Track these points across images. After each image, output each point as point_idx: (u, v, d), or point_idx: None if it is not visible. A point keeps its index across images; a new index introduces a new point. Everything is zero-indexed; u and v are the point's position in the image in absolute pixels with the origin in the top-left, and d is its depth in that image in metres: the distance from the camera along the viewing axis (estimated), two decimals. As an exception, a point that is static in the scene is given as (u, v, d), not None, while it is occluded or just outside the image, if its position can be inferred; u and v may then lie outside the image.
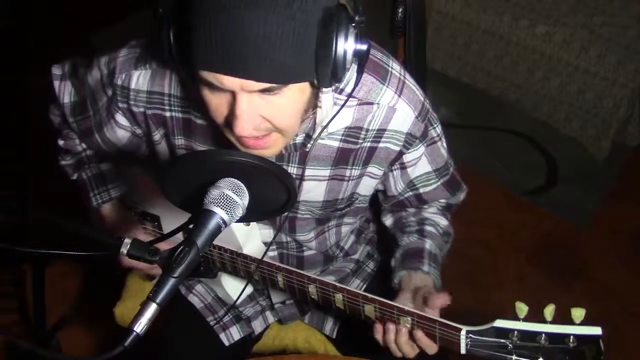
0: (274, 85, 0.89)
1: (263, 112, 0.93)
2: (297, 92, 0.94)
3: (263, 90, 0.90)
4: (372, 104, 1.10)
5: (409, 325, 1.10)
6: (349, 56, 0.90)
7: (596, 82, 2.72)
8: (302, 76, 0.91)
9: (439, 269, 1.27)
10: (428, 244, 1.28)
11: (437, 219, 1.33)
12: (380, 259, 1.51)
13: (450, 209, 1.38)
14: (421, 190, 1.27)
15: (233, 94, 0.91)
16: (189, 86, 1.11)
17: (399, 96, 1.11)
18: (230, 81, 0.88)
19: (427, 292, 1.14)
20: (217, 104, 0.94)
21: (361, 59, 0.92)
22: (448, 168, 1.28)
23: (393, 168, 1.21)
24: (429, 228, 1.31)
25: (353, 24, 0.89)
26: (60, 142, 1.42)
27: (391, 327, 1.12)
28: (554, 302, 0.98)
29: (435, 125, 1.19)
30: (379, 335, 1.15)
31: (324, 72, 0.90)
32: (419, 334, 1.10)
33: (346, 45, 0.89)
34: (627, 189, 2.73)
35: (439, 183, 1.27)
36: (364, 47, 0.91)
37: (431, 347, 1.11)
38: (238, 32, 0.83)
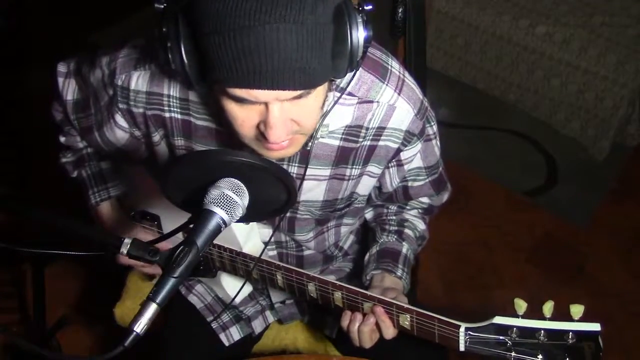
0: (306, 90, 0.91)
1: (293, 116, 0.94)
2: (321, 91, 0.95)
3: (295, 97, 0.90)
4: (372, 102, 1.10)
5: (407, 323, 1.11)
6: (362, 44, 0.92)
7: (596, 82, 2.72)
8: (328, 76, 0.93)
9: (410, 272, 1.31)
10: (405, 248, 1.32)
11: (416, 222, 1.37)
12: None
13: (431, 212, 1.40)
14: (409, 184, 1.28)
15: (264, 104, 0.91)
16: (205, 96, 1.10)
17: (399, 94, 1.11)
18: (264, 94, 0.88)
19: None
20: (246, 116, 0.94)
21: (366, 47, 0.94)
22: (438, 167, 1.29)
23: (390, 165, 1.21)
24: (407, 231, 1.35)
25: (360, 14, 0.91)
26: (62, 139, 1.42)
27: (358, 316, 1.16)
28: (554, 301, 0.98)
29: (432, 123, 1.20)
30: (345, 323, 1.18)
31: (341, 65, 0.93)
32: (379, 310, 1.13)
33: (359, 34, 0.91)
34: (627, 189, 2.73)
35: (427, 180, 1.29)
36: (370, 33, 0.93)
37: (388, 326, 1.14)
38: (270, 46, 0.82)
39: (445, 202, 1.40)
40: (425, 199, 1.35)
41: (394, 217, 1.37)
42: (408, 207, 1.37)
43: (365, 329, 1.15)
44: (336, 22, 0.88)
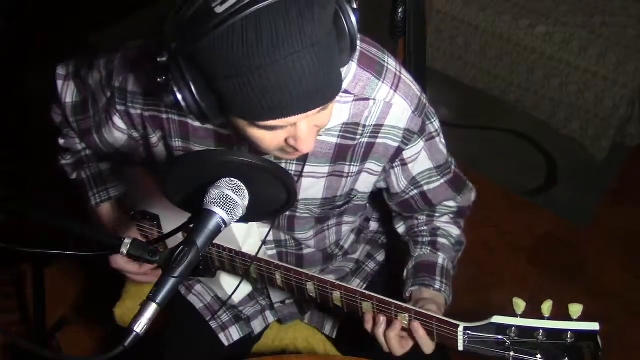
0: None
1: (316, 122, 0.95)
2: None
3: (321, 108, 0.91)
4: (368, 99, 1.10)
5: (405, 322, 1.11)
6: (357, 27, 0.92)
7: (596, 82, 2.72)
8: (341, 75, 0.93)
9: (451, 282, 1.28)
10: (441, 259, 1.29)
11: (449, 229, 1.33)
12: (381, 260, 1.51)
13: (463, 214, 1.37)
14: (425, 188, 1.26)
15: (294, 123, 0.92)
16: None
17: (395, 91, 1.11)
18: (295, 117, 0.89)
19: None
20: (273, 137, 0.95)
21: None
22: (449, 166, 1.28)
23: (394, 165, 1.21)
24: (441, 240, 1.31)
25: (348, 3, 0.91)
26: (61, 141, 1.42)
27: (382, 319, 1.12)
28: (554, 301, 0.98)
29: (433, 120, 1.19)
30: (368, 326, 1.15)
31: (346, 57, 0.93)
32: (416, 325, 1.09)
33: (353, 21, 0.91)
34: (627, 189, 2.73)
35: (442, 181, 1.27)
36: (357, 14, 0.92)
37: (428, 344, 1.12)
38: (296, 76, 0.83)
39: (474, 201, 1.37)
40: (451, 202, 1.32)
41: (425, 228, 1.34)
42: (437, 215, 1.34)
43: (391, 334, 1.12)
44: (334, 21, 0.88)
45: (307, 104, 0.87)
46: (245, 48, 0.80)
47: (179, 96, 0.89)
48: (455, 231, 1.34)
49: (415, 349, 1.25)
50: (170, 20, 0.86)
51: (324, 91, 0.87)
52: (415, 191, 1.27)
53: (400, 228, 1.39)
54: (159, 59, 0.88)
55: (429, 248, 1.30)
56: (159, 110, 1.16)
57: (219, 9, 0.80)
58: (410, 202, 1.29)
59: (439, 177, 1.26)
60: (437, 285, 1.24)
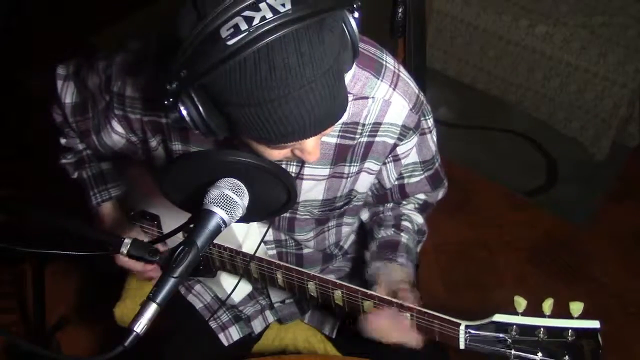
0: None
1: (323, 134, 0.95)
2: None
3: None
4: (366, 98, 1.10)
5: (407, 319, 1.11)
6: (358, 36, 0.92)
7: (596, 82, 2.72)
8: (347, 89, 0.93)
9: (414, 264, 1.28)
10: (404, 238, 1.29)
11: (413, 216, 1.35)
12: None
13: (427, 209, 1.39)
14: (406, 181, 1.28)
15: None
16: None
17: (394, 89, 1.11)
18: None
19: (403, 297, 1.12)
20: (282, 152, 0.95)
21: None
22: (434, 162, 1.29)
23: (386, 161, 1.21)
24: (405, 223, 1.32)
25: (351, 14, 0.90)
26: (62, 141, 1.42)
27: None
28: (554, 301, 0.98)
29: (428, 117, 1.20)
30: None
31: (349, 66, 0.94)
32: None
33: (356, 32, 0.90)
34: (627, 189, 2.73)
35: (423, 176, 1.28)
36: (359, 23, 0.92)
37: (411, 339, 1.12)
38: (309, 105, 0.83)
39: (440, 199, 1.39)
40: (421, 195, 1.34)
41: (390, 213, 1.36)
42: (404, 202, 1.36)
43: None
44: (340, 40, 0.88)
45: (319, 128, 0.88)
46: (258, 81, 0.79)
47: (186, 116, 0.88)
48: (419, 219, 1.35)
49: (416, 349, 1.26)
50: (179, 48, 0.84)
51: (334, 112, 0.88)
52: (396, 183, 1.28)
53: (364, 215, 1.40)
54: (168, 87, 0.86)
55: (393, 229, 1.31)
56: (158, 114, 1.16)
57: (230, 41, 0.79)
58: (387, 193, 1.30)
59: (421, 172, 1.27)
60: (400, 260, 1.24)
